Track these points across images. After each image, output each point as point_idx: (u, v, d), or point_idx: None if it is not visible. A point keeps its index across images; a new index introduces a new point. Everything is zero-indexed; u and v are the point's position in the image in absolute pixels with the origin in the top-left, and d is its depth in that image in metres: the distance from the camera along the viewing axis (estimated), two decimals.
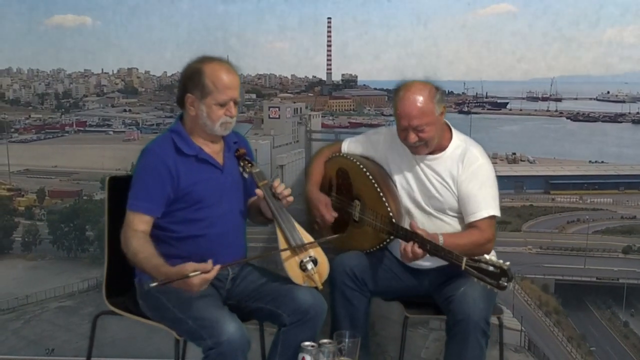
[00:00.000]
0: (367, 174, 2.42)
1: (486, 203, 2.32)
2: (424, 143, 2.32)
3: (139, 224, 2.13)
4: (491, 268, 2.04)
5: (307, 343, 2.07)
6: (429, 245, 2.19)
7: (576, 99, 19.85)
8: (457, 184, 2.36)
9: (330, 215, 2.49)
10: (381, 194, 2.36)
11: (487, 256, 2.08)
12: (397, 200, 2.41)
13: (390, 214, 2.33)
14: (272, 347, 2.21)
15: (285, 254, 2.20)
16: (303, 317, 2.15)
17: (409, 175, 2.43)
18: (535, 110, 19.69)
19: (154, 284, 1.97)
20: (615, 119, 18.85)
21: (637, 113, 18.65)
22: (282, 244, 2.21)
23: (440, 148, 2.39)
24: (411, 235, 2.23)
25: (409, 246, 2.22)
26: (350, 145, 2.60)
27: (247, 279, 2.30)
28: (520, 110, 19.88)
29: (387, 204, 2.34)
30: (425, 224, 2.38)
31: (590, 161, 18.34)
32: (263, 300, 2.23)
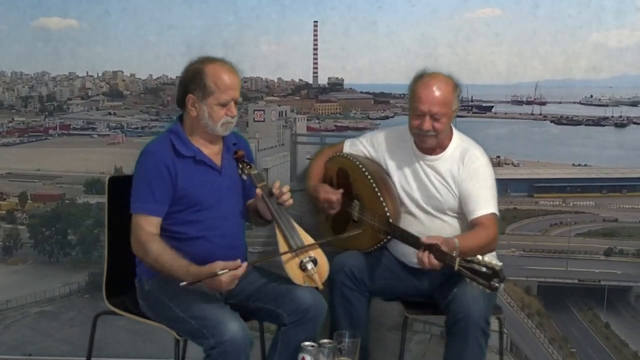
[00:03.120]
0: (366, 173, 2.43)
1: (487, 201, 2.33)
2: (435, 134, 2.33)
3: (149, 226, 2.13)
4: (483, 269, 2.04)
5: (307, 343, 2.07)
6: (424, 245, 2.19)
7: (560, 102, 20.06)
8: (457, 184, 2.37)
9: (335, 194, 2.47)
10: (379, 193, 2.37)
11: (480, 257, 2.08)
12: (395, 201, 2.41)
13: (388, 214, 2.33)
14: (272, 347, 2.21)
15: (285, 255, 2.20)
16: (303, 317, 2.15)
17: (409, 175, 2.44)
18: (520, 113, 19.88)
19: (184, 284, 1.98)
20: (598, 122, 19.08)
21: (620, 117, 18.88)
22: (281, 245, 2.20)
23: (442, 147, 2.41)
24: (427, 246, 2.16)
25: (426, 257, 2.15)
26: (351, 146, 2.60)
27: (247, 279, 2.28)
28: (505, 113, 20.05)
29: (384, 204, 2.35)
30: (426, 224, 2.40)
31: (573, 164, 18.54)
32: (263, 300, 2.22)
